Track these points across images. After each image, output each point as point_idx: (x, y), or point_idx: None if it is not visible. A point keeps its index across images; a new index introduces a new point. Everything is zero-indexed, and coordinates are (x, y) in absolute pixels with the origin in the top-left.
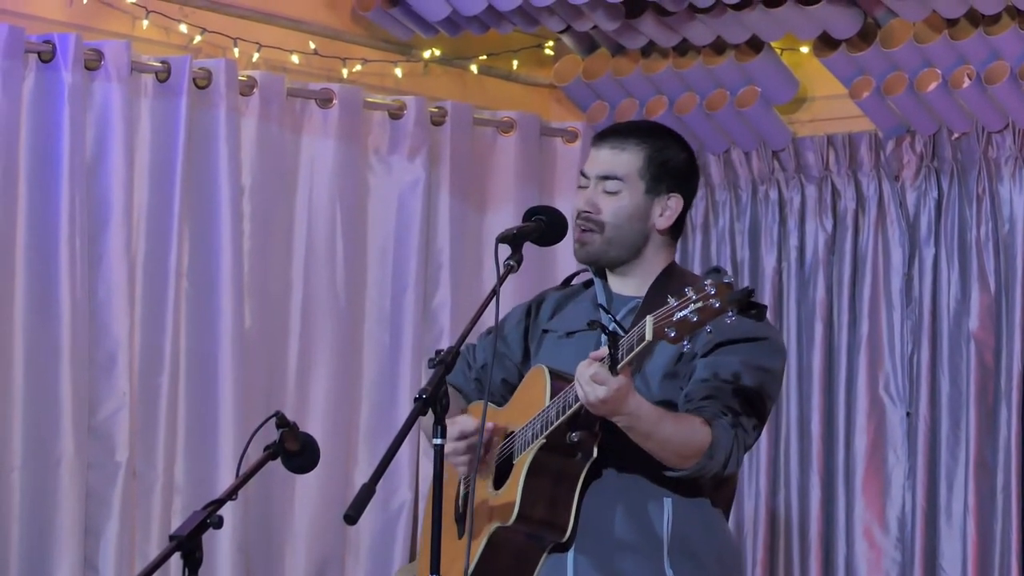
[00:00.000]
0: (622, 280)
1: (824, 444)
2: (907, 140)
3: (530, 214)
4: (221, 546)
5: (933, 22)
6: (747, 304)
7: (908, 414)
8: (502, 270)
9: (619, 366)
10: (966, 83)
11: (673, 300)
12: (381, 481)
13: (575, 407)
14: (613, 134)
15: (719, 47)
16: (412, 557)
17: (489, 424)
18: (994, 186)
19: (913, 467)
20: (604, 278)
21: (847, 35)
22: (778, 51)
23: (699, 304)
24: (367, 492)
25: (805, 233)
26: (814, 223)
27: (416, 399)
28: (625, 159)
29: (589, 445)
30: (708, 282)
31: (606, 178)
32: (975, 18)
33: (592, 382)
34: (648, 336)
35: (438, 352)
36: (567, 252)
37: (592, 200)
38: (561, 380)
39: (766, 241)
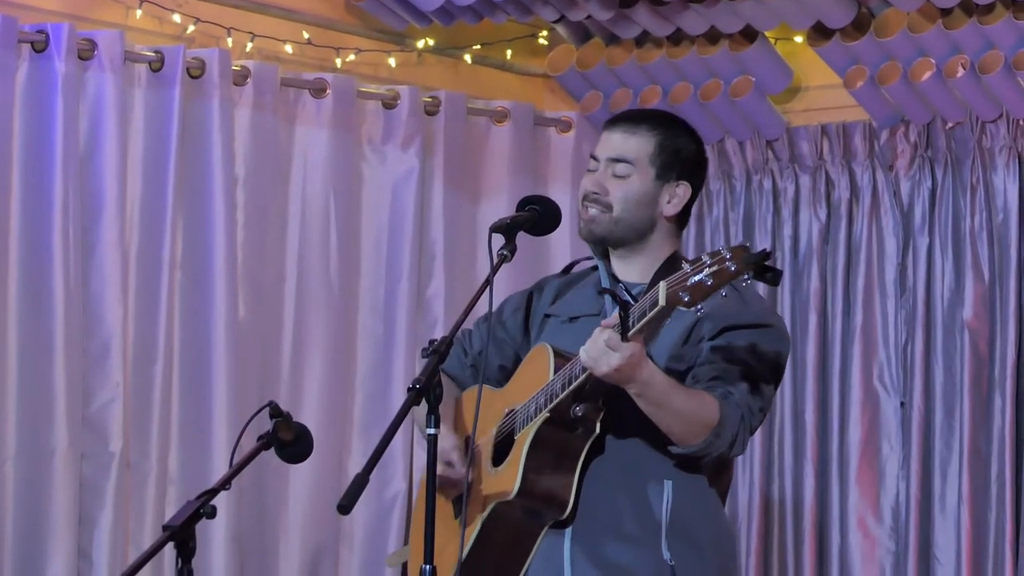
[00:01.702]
0: (626, 265)
1: (818, 434)
2: (901, 130)
3: (524, 204)
4: (215, 536)
5: (927, 11)
6: (763, 267)
7: (902, 404)
8: (495, 260)
9: (631, 333)
10: (960, 73)
11: (687, 265)
12: (375, 471)
13: (582, 378)
14: (625, 119)
15: (713, 37)
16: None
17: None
18: (988, 176)
19: (907, 457)
20: (608, 264)
21: (841, 24)
22: (772, 41)
23: (714, 267)
24: (361, 482)
25: (799, 223)
26: (808, 213)
27: (410, 389)
28: (636, 143)
29: (592, 420)
30: (722, 246)
31: (617, 161)
32: (969, 7)
33: (606, 348)
34: (661, 301)
35: (432, 342)
36: (561, 241)
37: (601, 182)
38: (564, 359)
39: (760, 231)
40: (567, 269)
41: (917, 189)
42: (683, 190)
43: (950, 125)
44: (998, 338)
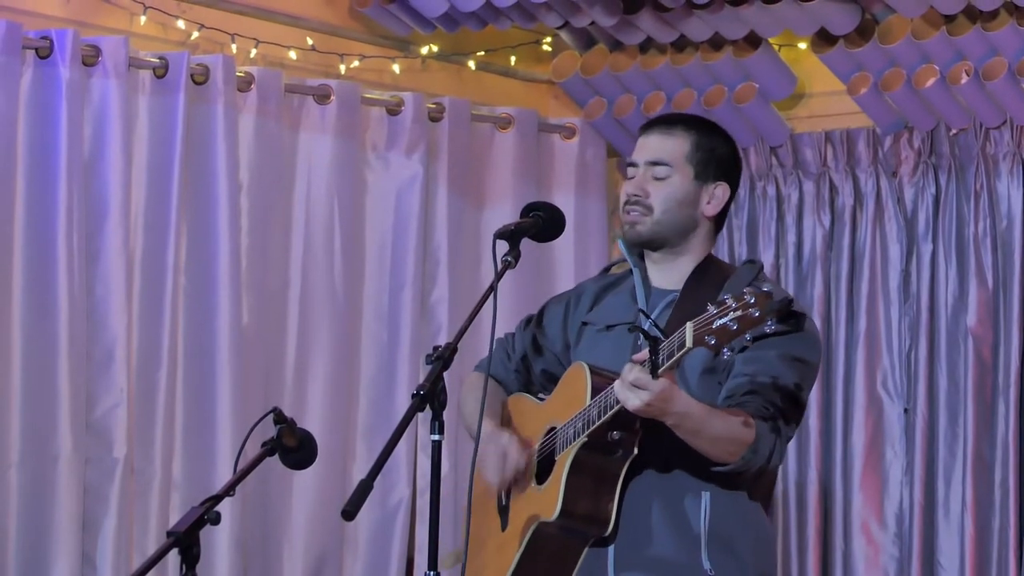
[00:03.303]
0: (661, 271)
1: (822, 440)
2: (905, 136)
3: (528, 210)
4: (219, 542)
5: (931, 18)
6: (787, 313)
7: (906, 410)
8: (499, 266)
9: (660, 371)
10: (964, 79)
11: (712, 308)
12: (379, 477)
13: (616, 408)
14: (660, 122)
15: (717, 43)
16: (410, 553)
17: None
18: (992, 182)
19: (911, 463)
20: (643, 270)
21: (845, 31)
22: (776, 47)
23: (738, 313)
24: (365, 488)
25: (803, 229)
26: (812, 219)
27: (413, 396)
28: (673, 144)
29: (630, 443)
30: (747, 290)
31: (656, 163)
32: (973, 14)
33: (634, 387)
34: (688, 343)
35: (436, 348)
36: (565, 248)
37: (641, 185)
38: (600, 377)
39: (764, 237)
40: (605, 271)
41: (921, 195)
42: (721, 191)
43: (954, 131)
44: (1002, 344)
